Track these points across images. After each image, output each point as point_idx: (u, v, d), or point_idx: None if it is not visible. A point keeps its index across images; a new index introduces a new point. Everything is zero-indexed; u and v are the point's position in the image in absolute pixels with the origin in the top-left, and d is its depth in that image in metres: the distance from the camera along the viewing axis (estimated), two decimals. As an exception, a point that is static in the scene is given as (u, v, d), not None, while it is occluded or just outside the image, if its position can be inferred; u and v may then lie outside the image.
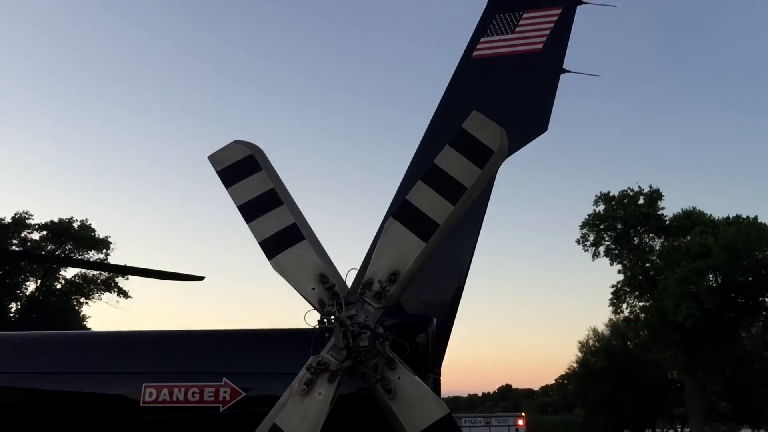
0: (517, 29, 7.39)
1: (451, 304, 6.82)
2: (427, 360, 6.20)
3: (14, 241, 71.16)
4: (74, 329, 64.65)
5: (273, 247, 5.69)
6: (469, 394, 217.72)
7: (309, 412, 5.21)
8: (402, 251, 5.47)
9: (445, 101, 7.32)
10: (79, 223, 72.49)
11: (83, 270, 73.43)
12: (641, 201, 76.67)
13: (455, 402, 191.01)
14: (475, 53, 7.44)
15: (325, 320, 5.49)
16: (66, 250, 72.19)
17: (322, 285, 5.59)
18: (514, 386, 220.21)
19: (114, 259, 73.05)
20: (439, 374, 6.43)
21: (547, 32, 7.29)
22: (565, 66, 7.22)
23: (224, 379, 6.22)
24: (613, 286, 79.02)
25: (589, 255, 78.97)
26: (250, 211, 5.79)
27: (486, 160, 5.44)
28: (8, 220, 70.98)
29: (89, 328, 69.44)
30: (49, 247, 71.94)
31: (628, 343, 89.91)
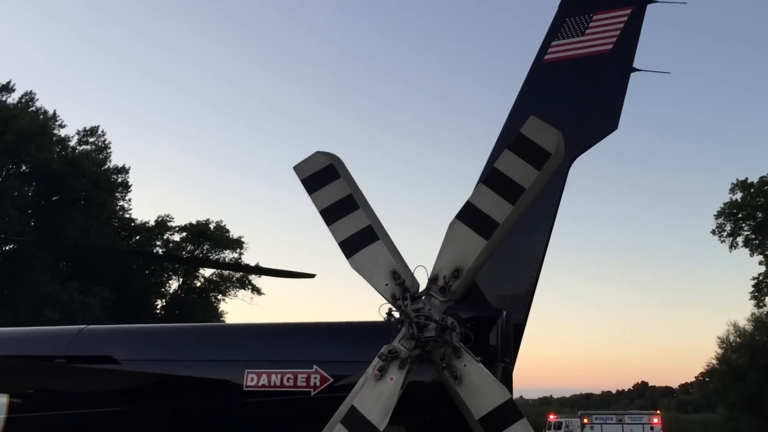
0: (588, 31, 7.60)
1: (525, 298, 7.17)
2: (496, 350, 6.59)
3: (158, 242, 76.58)
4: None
5: (350, 247, 6.29)
6: (603, 391, 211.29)
7: (382, 395, 5.76)
8: (464, 249, 5.91)
9: (518, 105, 7.65)
10: (215, 224, 76.82)
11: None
12: (784, 187, 71.84)
13: (587, 399, 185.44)
14: (546, 57, 7.71)
15: (395, 313, 6.03)
16: (204, 249, 76.69)
17: (394, 281, 6.11)
18: (650, 383, 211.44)
19: (247, 257, 76.96)
20: (509, 363, 6.80)
21: (617, 33, 7.45)
22: (635, 65, 7.36)
23: (315, 366, 6.90)
24: (754, 278, 74.65)
25: (726, 246, 75.01)
26: (330, 215, 6.41)
27: (543, 162, 5.77)
28: (152, 223, 76.44)
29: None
30: (189, 247, 76.75)
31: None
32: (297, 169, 6.65)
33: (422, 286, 6.16)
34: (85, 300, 57.98)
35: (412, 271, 6.20)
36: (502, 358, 6.63)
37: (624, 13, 7.49)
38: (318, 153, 6.64)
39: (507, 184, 5.81)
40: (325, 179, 6.49)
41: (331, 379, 6.84)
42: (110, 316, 58.81)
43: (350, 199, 6.41)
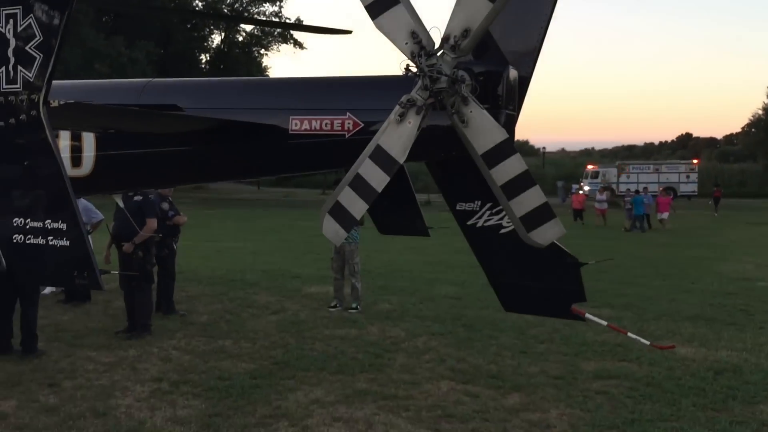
0: None
1: (531, 54, 8.03)
2: (501, 99, 7.64)
3: (197, -6, 75.43)
4: (258, 78, 70.00)
5: (375, 10, 7.14)
6: (645, 143, 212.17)
7: (402, 136, 6.96)
8: (473, 12, 6.71)
9: None
10: (254, -25, 74.78)
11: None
12: None
13: (629, 150, 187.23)
14: None
15: (412, 67, 7.04)
16: (243, 2, 75.64)
17: (413, 40, 7.04)
18: (694, 134, 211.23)
19: (286, 11, 75.94)
20: (513, 110, 7.86)
21: None
22: None
23: (348, 113, 8.09)
24: (811, 27, 71.60)
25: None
26: None
27: None
28: (190, -27, 74.73)
29: (270, 77, 74.48)
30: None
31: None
32: None
33: (437, 45, 7.08)
34: (132, 54, 59.17)
35: (428, 31, 7.09)
36: (506, 106, 7.69)
37: None
38: None
39: None
40: None
41: (362, 124, 8.03)
42: (157, 69, 60.19)
43: None
